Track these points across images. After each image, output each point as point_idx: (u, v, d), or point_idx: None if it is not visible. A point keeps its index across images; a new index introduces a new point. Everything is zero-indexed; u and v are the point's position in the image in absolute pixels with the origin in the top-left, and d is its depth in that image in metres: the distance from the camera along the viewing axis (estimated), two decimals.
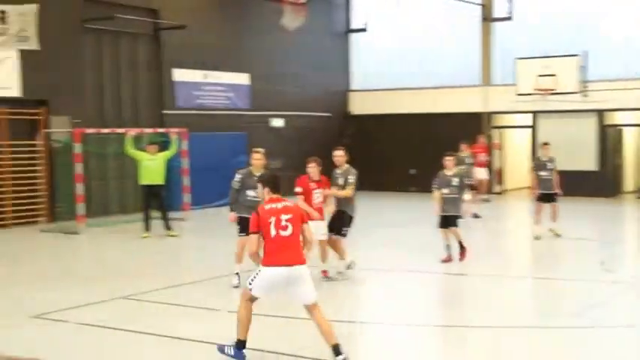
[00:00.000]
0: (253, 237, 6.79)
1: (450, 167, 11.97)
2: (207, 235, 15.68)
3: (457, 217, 11.90)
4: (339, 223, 10.64)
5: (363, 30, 25.99)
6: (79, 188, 15.73)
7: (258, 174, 10.03)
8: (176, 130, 17.24)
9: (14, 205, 16.87)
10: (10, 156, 16.80)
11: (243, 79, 22.22)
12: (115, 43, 19.21)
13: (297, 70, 23.70)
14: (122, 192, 18.76)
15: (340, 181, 10.67)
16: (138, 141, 16.10)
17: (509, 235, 16.59)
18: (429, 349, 7.78)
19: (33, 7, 16.62)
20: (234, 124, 21.54)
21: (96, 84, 18.75)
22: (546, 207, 14.32)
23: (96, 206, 17.47)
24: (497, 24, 23.87)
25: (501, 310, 9.11)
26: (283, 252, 6.68)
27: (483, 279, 11.01)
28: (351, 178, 10.65)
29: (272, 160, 21.79)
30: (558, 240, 14.05)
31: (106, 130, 17.21)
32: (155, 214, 15.20)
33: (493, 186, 23.02)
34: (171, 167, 16.33)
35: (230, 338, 7.01)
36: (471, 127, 22.38)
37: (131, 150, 15.30)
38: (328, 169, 10.78)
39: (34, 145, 17.25)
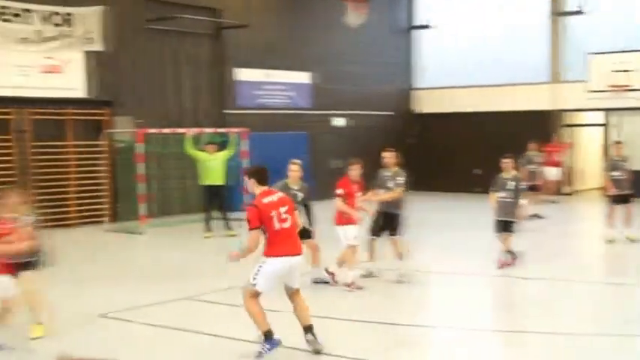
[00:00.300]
0: (255, 233, 6.98)
1: (508, 170, 11.83)
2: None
3: (512, 222, 11.67)
4: (393, 223, 10.69)
5: (427, 26, 25.88)
6: (142, 188, 16.15)
7: (295, 187, 10.18)
8: (236, 130, 17.52)
9: (78, 205, 17.42)
10: (74, 156, 17.35)
11: (304, 77, 22.42)
12: (176, 43, 19.64)
13: (359, 68, 23.76)
14: (184, 192, 19.16)
15: (389, 184, 10.75)
16: (197, 140, 16.43)
17: (579, 238, 16.29)
18: (490, 355, 7.75)
19: (98, 9, 17.16)
20: (295, 124, 21.75)
21: (158, 84, 19.21)
22: (620, 209, 14.02)
23: (158, 206, 17.87)
24: (568, 18, 23.44)
25: (568, 316, 8.98)
26: (287, 243, 7.08)
27: (550, 283, 10.86)
28: (400, 180, 10.72)
29: (334, 159, 22.05)
30: (632, 245, 13.73)
31: (167, 130, 17.62)
32: (217, 214, 15.49)
33: (563, 187, 22.61)
34: (231, 167, 16.58)
35: (291, 341, 7.17)
36: (539, 126, 22.10)
37: (191, 150, 15.64)
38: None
39: (97, 146, 17.77)
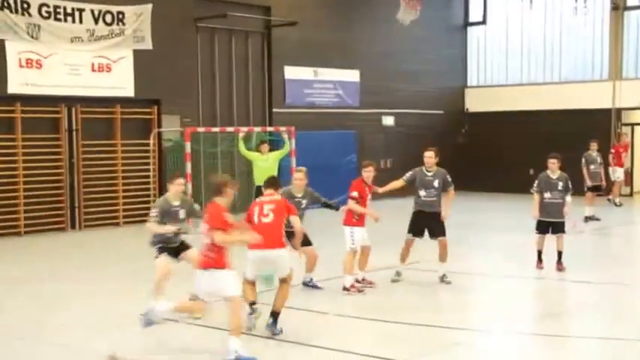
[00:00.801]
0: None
1: (555, 170, 11.72)
2: (312, 237, 15.98)
3: (562, 223, 11.59)
4: (436, 223, 10.76)
5: (482, 23, 25.73)
6: (189, 187, 16.44)
7: (299, 195, 10.09)
8: (284, 128, 17.72)
9: (125, 203, 17.79)
10: (122, 155, 17.78)
11: (353, 75, 22.51)
12: (226, 41, 19.97)
13: (410, 66, 23.78)
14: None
15: (436, 184, 10.79)
16: (248, 139, 16.66)
17: (637, 241, 16.06)
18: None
19: (148, 7, 17.57)
20: (343, 123, 21.88)
21: (207, 82, 19.56)
22: None
23: (206, 206, 18.13)
24: (629, 12, 23.05)
25: (617, 322, 8.95)
26: (263, 236, 7.82)
27: (601, 287, 10.79)
28: (449, 178, 10.86)
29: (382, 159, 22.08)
30: None
31: (216, 129, 17.92)
32: None
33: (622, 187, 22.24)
34: (284, 166, 16.75)
35: (336, 342, 7.32)
36: (597, 125, 21.81)
37: (244, 150, 15.90)
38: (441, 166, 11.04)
39: (146, 145, 18.16)
